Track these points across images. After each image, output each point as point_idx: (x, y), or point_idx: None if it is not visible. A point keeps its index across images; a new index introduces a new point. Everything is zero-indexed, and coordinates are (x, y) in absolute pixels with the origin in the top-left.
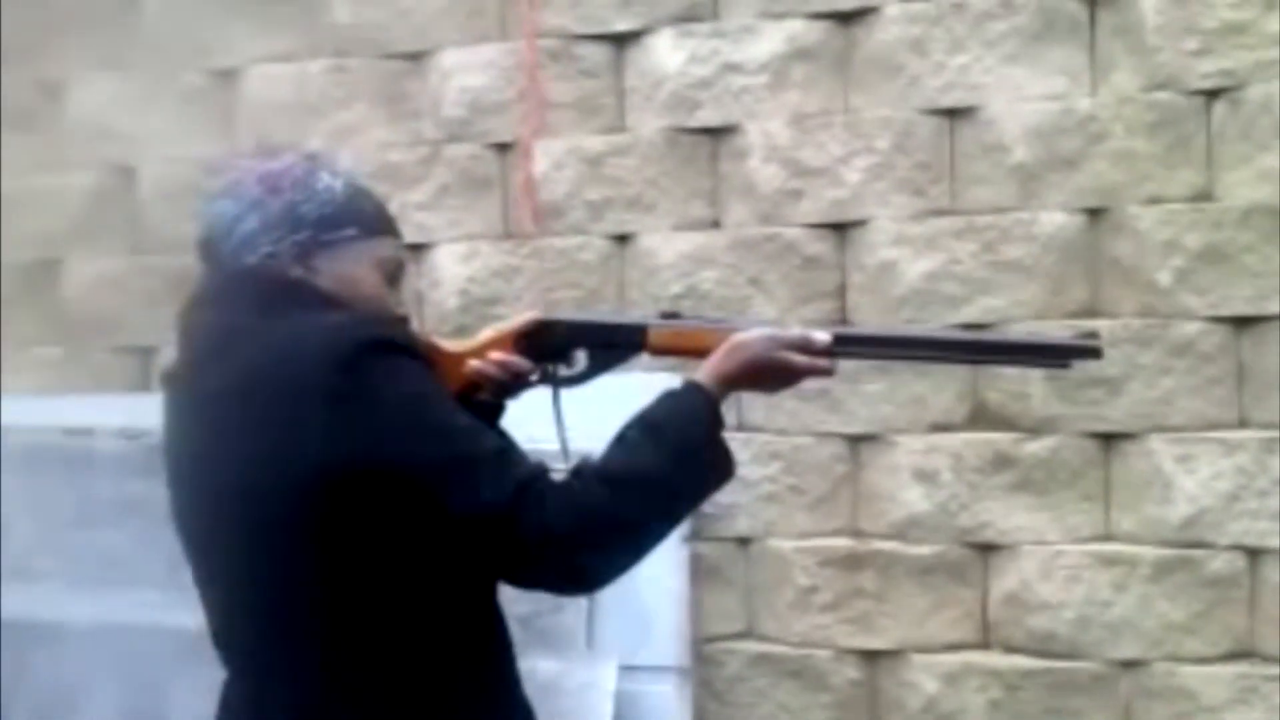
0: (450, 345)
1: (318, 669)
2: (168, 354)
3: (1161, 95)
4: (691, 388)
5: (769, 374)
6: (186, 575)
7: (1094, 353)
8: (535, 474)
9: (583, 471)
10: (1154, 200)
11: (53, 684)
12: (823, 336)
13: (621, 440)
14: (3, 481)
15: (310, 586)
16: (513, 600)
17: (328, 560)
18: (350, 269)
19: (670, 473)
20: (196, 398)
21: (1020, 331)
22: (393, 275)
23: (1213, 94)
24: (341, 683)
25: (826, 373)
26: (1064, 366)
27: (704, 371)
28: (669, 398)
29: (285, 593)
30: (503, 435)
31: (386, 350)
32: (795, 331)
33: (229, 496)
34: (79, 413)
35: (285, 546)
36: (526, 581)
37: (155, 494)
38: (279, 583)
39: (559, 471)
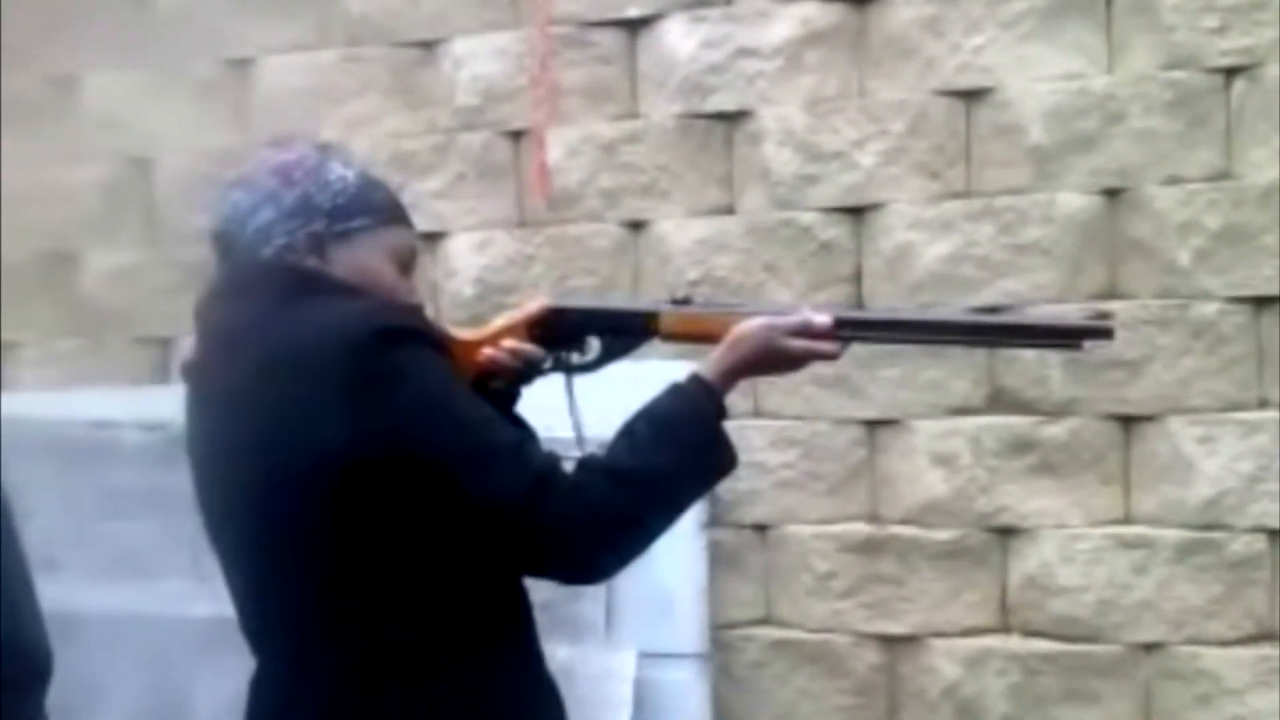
0: (463, 333)
1: (346, 654)
2: (186, 346)
3: (1179, 74)
4: (695, 380)
5: (772, 362)
6: (208, 565)
7: (1106, 333)
8: (550, 466)
9: (590, 465)
10: (1172, 180)
11: (76, 675)
12: (823, 319)
13: (627, 434)
14: (25, 474)
15: (335, 573)
16: (531, 587)
17: (351, 547)
18: (364, 258)
19: (675, 467)
20: (217, 389)
21: (1031, 312)
22: (406, 264)
23: (1232, 72)
24: (370, 668)
25: (831, 356)
26: (1076, 348)
27: (708, 364)
28: (673, 392)
29: (311, 580)
30: (519, 423)
31: (406, 338)
32: (795, 317)
33: (253, 486)
34: (99, 405)
35: (309, 534)
36: (537, 570)
37: (177, 485)
38: (304, 570)
39: (571, 460)
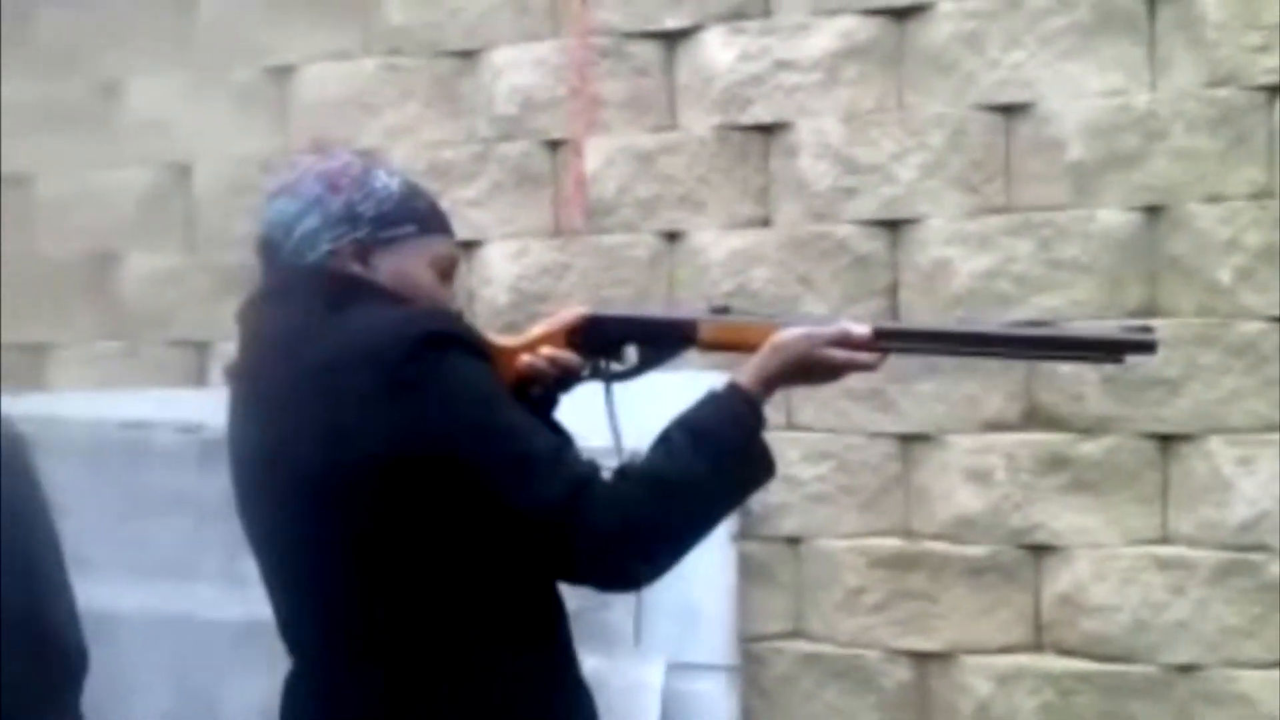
0: (503, 340)
1: (382, 657)
2: (228, 350)
3: (1222, 91)
4: (733, 389)
5: (809, 371)
6: (241, 568)
7: (1148, 347)
8: (589, 474)
9: (628, 473)
10: (1214, 198)
11: (107, 675)
12: (862, 330)
13: (664, 442)
14: (61, 474)
15: (373, 576)
16: (563, 598)
17: (389, 550)
18: (407, 266)
19: (712, 476)
20: (260, 393)
21: (1071, 327)
22: (446, 272)
23: (1275, 90)
24: (406, 670)
25: (868, 367)
26: (1117, 361)
27: (745, 372)
28: (711, 400)
29: (349, 582)
30: (559, 431)
31: (450, 344)
32: (834, 327)
33: (294, 489)
34: (136, 407)
35: (349, 537)
36: (572, 577)
37: (211, 487)
38: (343, 573)
39: (609, 469)
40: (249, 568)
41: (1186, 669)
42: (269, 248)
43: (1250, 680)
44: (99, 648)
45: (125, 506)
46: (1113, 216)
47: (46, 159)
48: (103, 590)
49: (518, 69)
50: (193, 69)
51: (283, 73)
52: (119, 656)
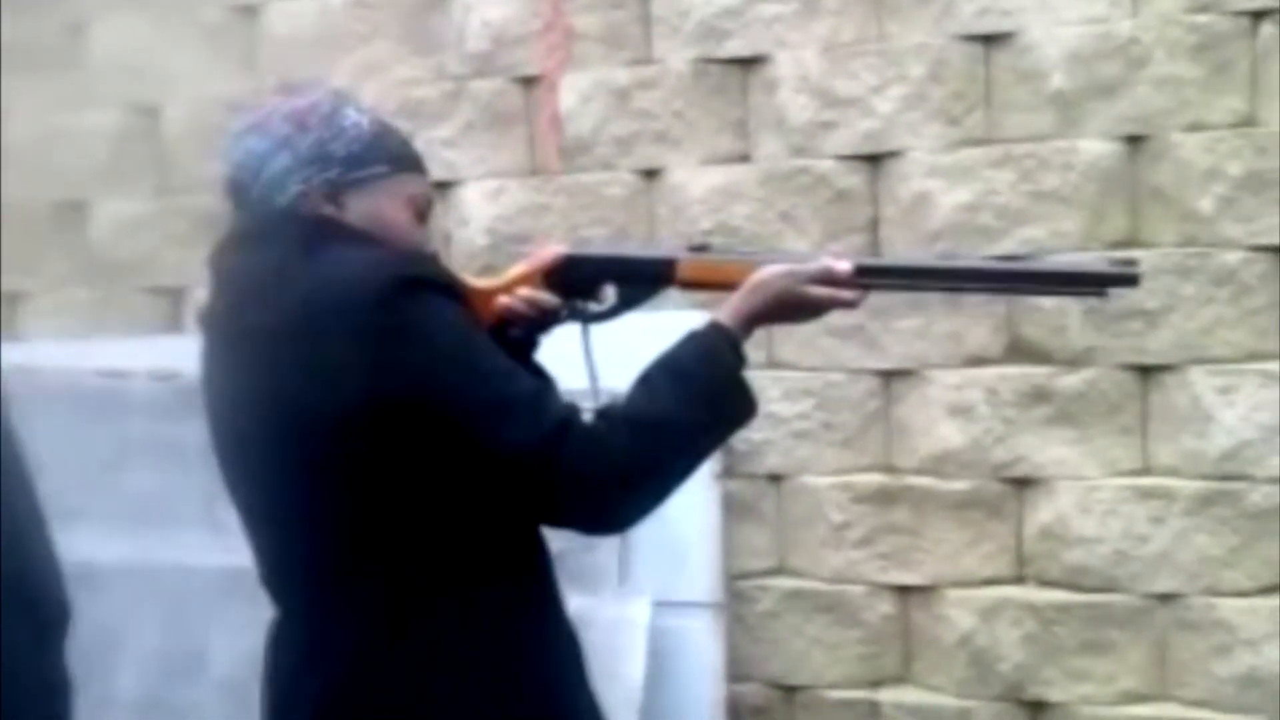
0: (479, 282)
1: (365, 602)
2: (202, 295)
3: (1204, 17)
4: (713, 327)
5: (791, 309)
6: (220, 515)
7: (1131, 280)
8: (568, 415)
9: (609, 414)
10: (1196, 127)
11: (88, 625)
12: (844, 266)
13: (645, 382)
14: (36, 424)
15: (353, 522)
16: (547, 537)
17: (369, 495)
18: (380, 206)
19: (694, 415)
20: (234, 338)
21: (1054, 260)
22: (422, 212)
23: (1258, 15)
24: (390, 615)
25: (850, 304)
26: (1100, 295)
27: (726, 310)
28: (691, 339)
29: (330, 529)
30: (539, 372)
31: (424, 288)
32: (815, 264)
33: (270, 434)
34: (110, 354)
35: (327, 483)
36: (555, 520)
37: (189, 435)
38: (323, 519)
39: (588, 410)
40: (229, 515)
41: (1167, 598)
42: (237, 189)
43: (1230, 608)
44: (82, 598)
45: (103, 455)
46: (1094, 146)
47: (13, 102)
48: (83, 540)
49: (489, 4)
50: (159, 8)
51: (249, 10)
52: (102, 607)
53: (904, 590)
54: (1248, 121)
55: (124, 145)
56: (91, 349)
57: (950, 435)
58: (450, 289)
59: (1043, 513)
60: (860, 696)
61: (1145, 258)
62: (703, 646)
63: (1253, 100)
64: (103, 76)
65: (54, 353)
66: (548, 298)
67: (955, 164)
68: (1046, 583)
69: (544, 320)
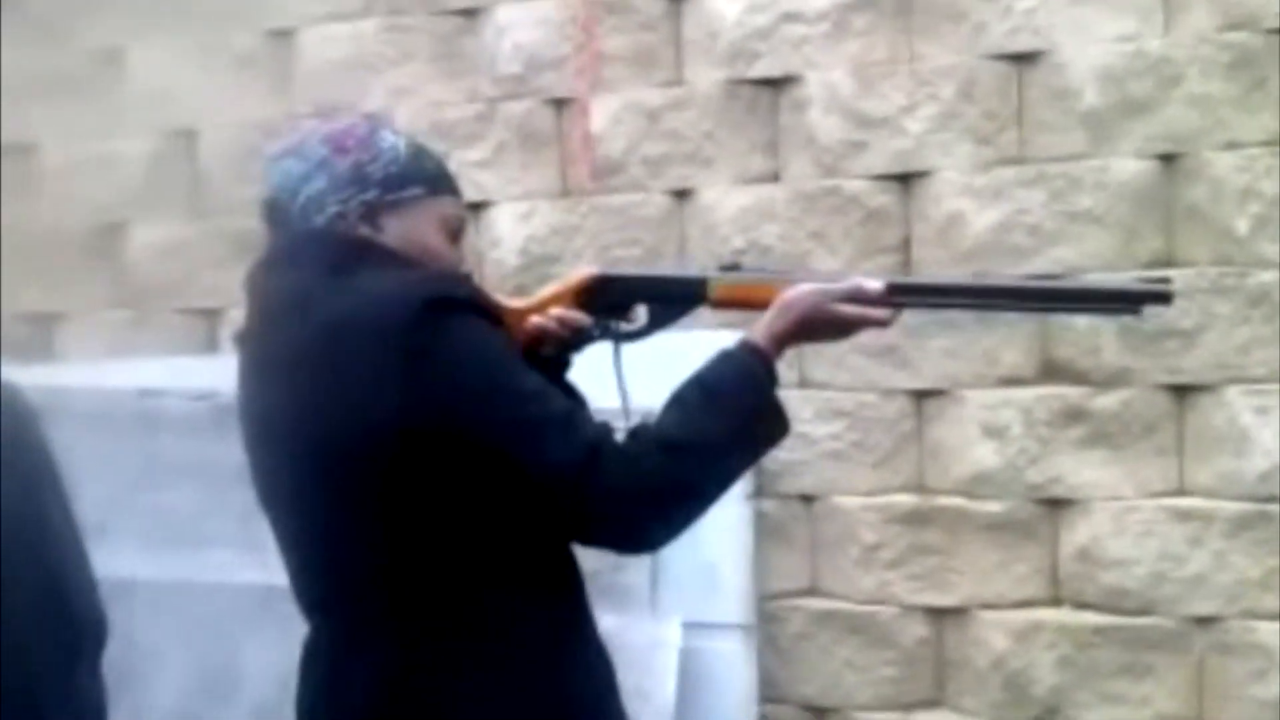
0: (513, 302)
1: (399, 620)
2: (237, 316)
3: (1237, 35)
4: (745, 347)
5: (822, 328)
6: (255, 534)
7: (1164, 298)
8: (601, 435)
9: (641, 434)
10: (1230, 145)
11: (124, 641)
12: (875, 285)
13: (678, 402)
14: (73, 443)
15: (388, 541)
16: (578, 556)
17: (403, 515)
18: (416, 228)
19: (726, 435)
20: (271, 358)
21: (1087, 279)
22: (456, 234)
23: None
24: (423, 634)
25: (882, 323)
26: (1134, 313)
27: (758, 330)
28: (723, 358)
29: (365, 548)
30: (571, 393)
31: (458, 308)
32: (847, 283)
33: (306, 454)
34: (147, 375)
35: (362, 502)
36: (587, 540)
37: (224, 454)
38: (358, 538)
39: (620, 430)
40: (265, 533)
41: (1205, 621)
42: (275, 211)
43: (1268, 631)
44: (117, 615)
45: (140, 475)
46: (1127, 165)
47: (49, 128)
48: (119, 558)
49: (521, 26)
50: (194, 34)
51: (284, 35)
52: (138, 623)
53: (937, 612)
54: None
55: (160, 169)
56: (128, 369)
57: (984, 456)
58: (483, 309)
59: (1078, 534)
60: (892, 719)
61: (1180, 277)
62: (734, 668)
63: None
64: (139, 102)
65: (91, 373)
66: (580, 317)
67: (987, 184)
68: (1082, 605)
69: (576, 340)
